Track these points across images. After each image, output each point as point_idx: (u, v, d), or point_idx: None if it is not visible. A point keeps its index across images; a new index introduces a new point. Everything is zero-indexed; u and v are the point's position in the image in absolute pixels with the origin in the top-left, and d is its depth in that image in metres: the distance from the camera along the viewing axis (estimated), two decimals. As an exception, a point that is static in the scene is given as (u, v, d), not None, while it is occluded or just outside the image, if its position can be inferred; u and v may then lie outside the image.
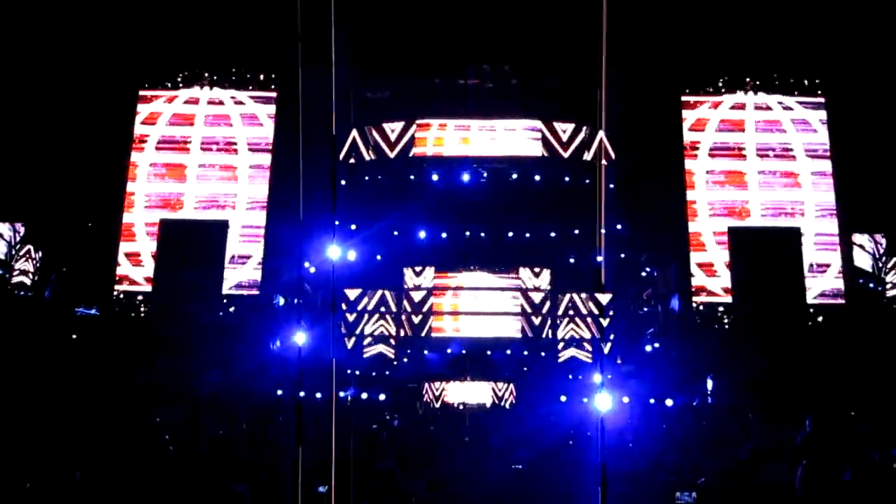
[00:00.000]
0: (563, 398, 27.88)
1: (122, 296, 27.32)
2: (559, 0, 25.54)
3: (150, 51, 27.92)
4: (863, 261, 29.14)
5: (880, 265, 29.85)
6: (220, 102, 28.75)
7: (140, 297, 27.09)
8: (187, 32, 26.75)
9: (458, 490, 5.84)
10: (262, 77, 28.67)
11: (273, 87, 28.58)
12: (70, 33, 25.80)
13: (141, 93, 28.68)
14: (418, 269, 27.47)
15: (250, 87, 28.79)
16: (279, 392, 25.04)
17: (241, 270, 27.42)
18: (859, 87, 26.36)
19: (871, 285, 28.67)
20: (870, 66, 25.54)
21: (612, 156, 27.16)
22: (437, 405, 26.53)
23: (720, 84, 28.57)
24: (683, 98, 28.36)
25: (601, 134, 27.29)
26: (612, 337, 27.25)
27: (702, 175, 27.99)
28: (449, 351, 27.32)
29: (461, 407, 26.11)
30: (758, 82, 28.43)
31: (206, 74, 28.70)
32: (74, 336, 25.60)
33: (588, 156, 27.06)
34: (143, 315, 26.68)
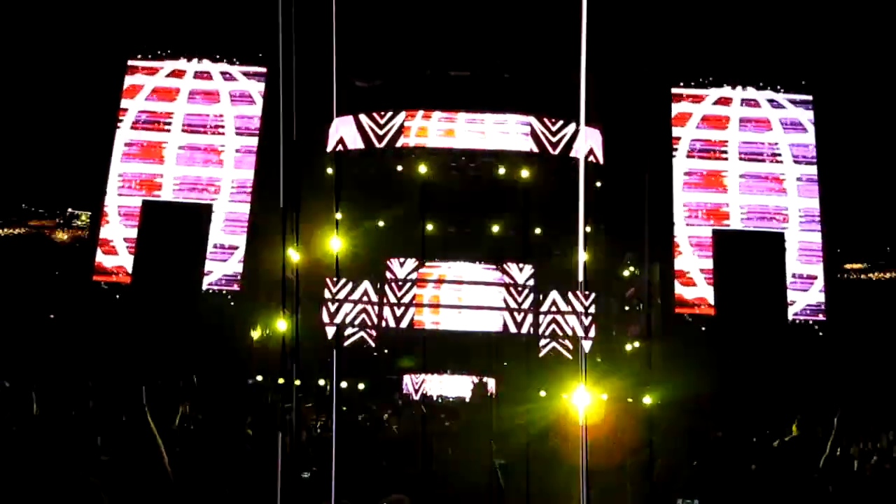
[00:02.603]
0: (542, 393, 27.86)
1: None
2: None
3: (138, 19, 26.20)
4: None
5: None
6: (209, 76, 26.59)
7: (106, 288, 24.92)
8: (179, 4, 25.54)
9: (441, 482, 5.79)
10: (258, 54, 26.51)
11: (263, 63, 26.54)
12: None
13: (130, 63, 26.43)
14: (402, 260, 27.30)
15: (240, 62, 26.70)
16: (259, 378, 24.93)
17: (228, 264, 25.49)
18: (847, 88, 25.69)
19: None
20: (857, 66, 25.19)
21: (601, 154, 27.14)
22: (416, 397, 26.46)
23: (708, 79, 27.12)
24: (673, 91, 27.03)
25: (585, 130, 27.26)
26: (592, 335, 27.25)
27: (679, 175, 26.55)
28: (429, 343, 27.23)
29: (440, 400, 26.04)
30: (745, 78, 26.83)
31: (196, 46, 26.51)
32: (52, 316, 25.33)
33: (577, 153, 26.95)
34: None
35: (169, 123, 26.19)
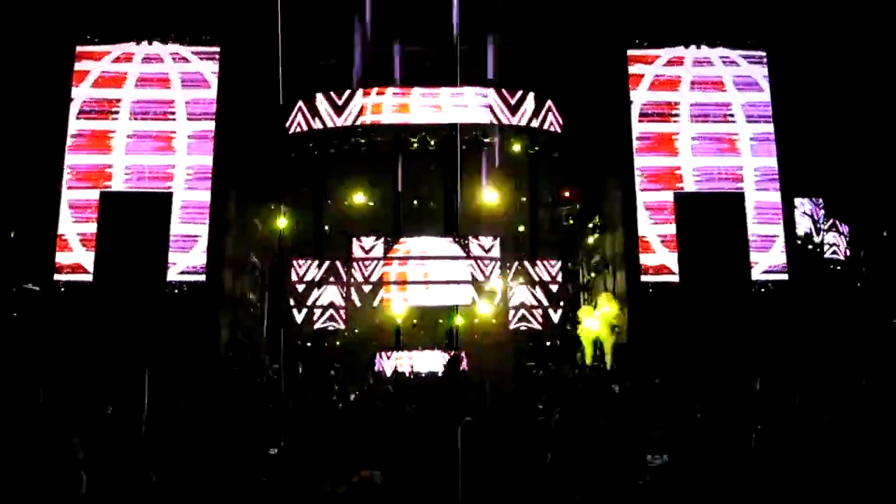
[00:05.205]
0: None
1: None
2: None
3: (85, 4, 25.12)
4: (803, 226, 29.19)
5: (819, 228, 30.17)
6: (158, 59, 25.42)
7: (63, 288, 23.65)
8: None
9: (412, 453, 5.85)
10: (206, 36, 25.55)
11: (215, 42, 25.51)
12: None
13: (79, 49, 25.17)
14: (367, 238, 27.25)
15: (191, 43, 25.65)
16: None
17: (191, 254, 24.19)
18: (801, 43, 25.25)
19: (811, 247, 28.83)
20: (812, 21, 24.85)
21: (560, 123, 27.21)
22: (389, 375, 26.55)
23: (662, 39, 26.23)
24: (629, 53, 26.05)
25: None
26: (561, 304, 27.49)
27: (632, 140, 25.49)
28: (399, 320, 27.29)
29: (413, 376, 26.16)
30: (699, 36, 26.19)
31: (147, 28, 25.29)
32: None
33: (537, 123, 26.98)
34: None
35: (116, 112, 25.05)
